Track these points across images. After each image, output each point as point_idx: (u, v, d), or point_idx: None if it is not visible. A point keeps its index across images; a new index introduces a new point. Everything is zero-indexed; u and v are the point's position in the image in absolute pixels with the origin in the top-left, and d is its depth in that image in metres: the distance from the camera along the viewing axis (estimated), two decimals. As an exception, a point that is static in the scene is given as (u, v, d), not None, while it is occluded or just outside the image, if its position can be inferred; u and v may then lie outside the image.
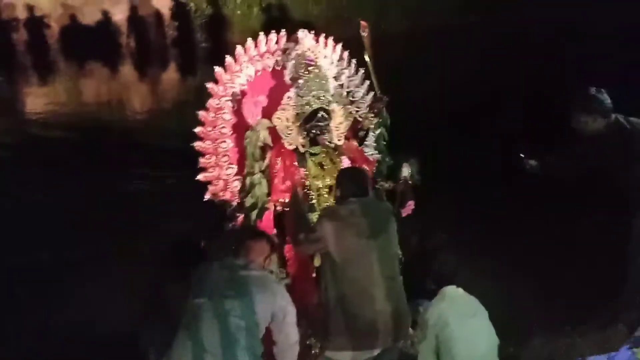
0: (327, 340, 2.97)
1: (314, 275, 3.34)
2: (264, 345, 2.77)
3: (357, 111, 3.72)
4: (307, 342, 3.47)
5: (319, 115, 3.37)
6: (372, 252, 2.91)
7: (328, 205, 3.17)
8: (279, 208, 3.46)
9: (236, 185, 3.49)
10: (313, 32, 3.50)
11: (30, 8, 19.35)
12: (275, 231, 3.47)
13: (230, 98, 3.41)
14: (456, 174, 6.50)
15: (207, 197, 3.49)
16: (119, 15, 19.07)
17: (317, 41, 3.54)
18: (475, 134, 7.83)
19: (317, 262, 3.31)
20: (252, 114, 3.45)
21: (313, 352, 3.53)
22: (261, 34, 3.52)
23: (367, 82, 3.77)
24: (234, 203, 3.50)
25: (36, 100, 14.62)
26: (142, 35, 19.05)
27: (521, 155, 3.93)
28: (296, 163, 3.44)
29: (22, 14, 19.31)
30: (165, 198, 6.34)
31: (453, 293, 3.30)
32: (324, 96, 3.38)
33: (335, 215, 2.96)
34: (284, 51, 3.51)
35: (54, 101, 14.16)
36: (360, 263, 2.88)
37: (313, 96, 3.37)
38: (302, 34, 3.47)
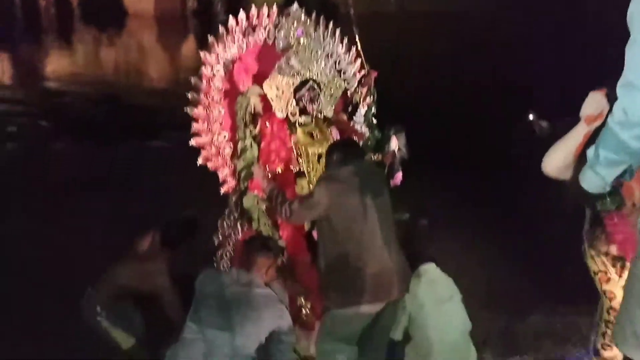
0: (332, 299, 3.02)
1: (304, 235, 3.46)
2: None
3: (348, 84, 3.76)
4: (298, 304, 3.57)
5: (309, 84, 3.45)
6: (374, 211, 2.95)
7: (327, 171, 3.18)
8: (267, 171, 3.54)
9: (228, 152, 3.58)
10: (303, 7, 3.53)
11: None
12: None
13: (222, 67, 3.48)
14: (443, 150, 6.53)
15: (199, 162, 3.60)
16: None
17: (309, 16, 3.57)
18: (466, 110, 7.80)
19: (307, 226, 3.46)
20: (243, 80, 3.53)
21: (304, 312, 3.63)
22: (253, 7, 3.58)
23: (359, 61, 3.80)
24: (225, 170, 3.60)
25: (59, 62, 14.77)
26: (162, 5, 19.11)
27: (531, 116, 3.49)
28: (286, 130, 3.50)
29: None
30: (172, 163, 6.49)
31: (432, 274, 3.27)
32: (314, 67, 3.46)
33: (336, 178, 3.00)
34: (276, 26, 3.56)
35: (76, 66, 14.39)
36: (364, 221, 2.93)
37: (303, 66, 3.44)
38: (293, 7, 3.53)
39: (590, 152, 1.78)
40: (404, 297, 3.09)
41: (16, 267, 4.58)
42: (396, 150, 3.62)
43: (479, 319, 3.39)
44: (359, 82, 3.75)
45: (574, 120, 2.36)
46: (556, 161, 1.99)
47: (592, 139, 1.86)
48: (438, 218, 4.62)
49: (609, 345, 2.96)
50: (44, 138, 8.51)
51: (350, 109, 3.72)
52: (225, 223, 3.70)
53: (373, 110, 3.80)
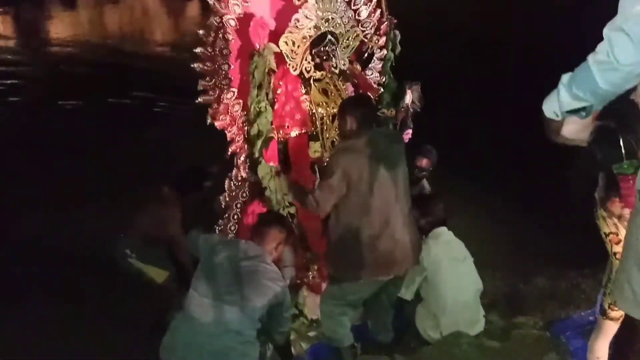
0: (340, 271, 2.95)
1: None
2: None
3: (363, 32, 3.52)
4: (306, 268, 3.51)
5: (327, 39, 3.24)
6: (391, 182, 2.82)
7: (343, 142, 3.00)
8: (280, 135, 3.35)
9: (237, 109, 3.36)
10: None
11: None
12: (278, 159, 3.39)
13: (233, 17, 3.22)
14: (459, 108, 6.44)
15: (208, 121, 3.37)
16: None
17: None
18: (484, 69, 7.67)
19: None
20: (260, 36, 3.23)
21: (311, 275, 3.56)
22: None
23: (379, 9, 3.58)
24: (234, 129, 3.39)
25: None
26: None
27: None
28: (300, 88, 3.30)
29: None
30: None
31: (447, 236, 3.30)
32: (332, 18, 3.23)
33: (352, 149, 2.83)
34: None
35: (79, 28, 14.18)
36: (380, 193, 2.80)
37: (322, 18, 3.22)
38: None
39: (565, 76, 1.78)
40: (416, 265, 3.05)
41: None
42: (409, 105, 3.45)
43: (485, 281, 3.43)
44: (376, 30, 3.54)
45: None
46: (574, 124, 1.95)
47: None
48: (447, 183, 4.63)
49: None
50: (48, 100, 8.34)
51: (365, 57, 3.52)
52: (232, 184, 3.54)
53: (392, 59, 3.59)
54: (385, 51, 3.64)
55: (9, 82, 9.49)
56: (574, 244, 4.01)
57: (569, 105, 1.80)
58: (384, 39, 3.57)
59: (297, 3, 3.23)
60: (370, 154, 2.79)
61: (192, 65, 3.23)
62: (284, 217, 3.20)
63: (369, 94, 3.41)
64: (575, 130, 2.00)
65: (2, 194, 5.29)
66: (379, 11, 3.61)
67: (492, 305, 3.66)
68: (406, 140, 3.48)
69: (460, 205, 4.60)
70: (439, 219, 3.32)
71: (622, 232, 2.79)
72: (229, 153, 3.43)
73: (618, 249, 2.83)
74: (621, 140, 2.54)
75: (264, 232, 2.85)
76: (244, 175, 3.49)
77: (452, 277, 3.17)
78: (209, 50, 3.22)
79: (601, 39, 1.64)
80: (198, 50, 3.21)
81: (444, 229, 3.31)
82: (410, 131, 3.52)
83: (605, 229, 2.87)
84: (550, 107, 1.85)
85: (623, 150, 2.52)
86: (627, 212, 2.71)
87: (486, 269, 3.62)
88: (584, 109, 1.79)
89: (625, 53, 1.63)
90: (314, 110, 3.35)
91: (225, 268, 2.67)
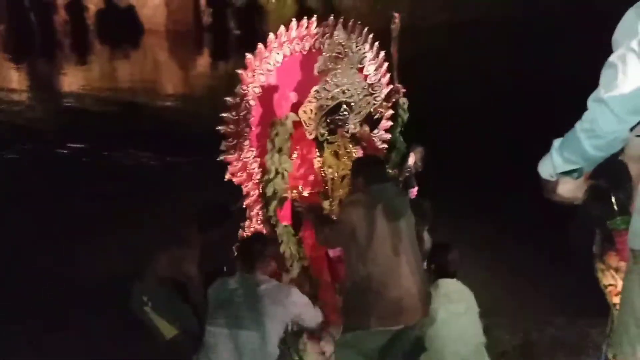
0: (351, 319, 3.10)
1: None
2: None
3: (374, 97, 3.80)
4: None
5: (342, 108, 3.51)
6: (398, 234, 3.02)
7: (353, 195, 3.25)
8: (293, 195, 3.59)
9: (254, 167, 3.64)
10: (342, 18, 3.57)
11: (70, -9, 19.71)
12: (292, 219, 3.61)
13: (257, 85, 3.51)
14: (462, 168, 6.62)
15: (226, 177, 3.67)
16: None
17: (346, 29, 3.58)
18: (483, 128, 7.85)
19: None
20: (282, 107, 3.56)
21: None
22: (293, 19, 3.60)
23: (385, 65, 3.87)
24: (249, 184, 3.67)
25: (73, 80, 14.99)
26: (177, 20, 19.33)
27: None
28: (314, 152, 3.59)
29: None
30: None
31: (447, 287, 3.33)
32: (348, 89, 3.49)
33: (361, 202, 3.06)
34: (313, 36, 3.59)
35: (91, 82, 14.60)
36: (388, 244, 2.99)
37: (339, 90, 3.48)
38: (332, 21, 3.56)
39: (557, 141, 1.95)
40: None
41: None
42: (412, 165, 3.71)
43: (497, 332, 3.53)
44: (386, 96, 3.82)
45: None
46: (569, 184, 2.06)
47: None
48: (458, 233, 4.78)
49: None
50: (60, 153, 8.62)
51: (374, 120, 3.78)
52: (245, 235, 3.77)
53: (401, 125, 3.88)
54: (392, 114, 3.92)
55: (21, 132, 9.80)
56: (582, 293, 3.97)
57: (561, 168, 1.95)
58: (391, 103, 3.84)
59: (317, 74, 3.52)
60: (377, 207, 3.01)
61: (217, 128, 3.53)
62: (261, 234, 3.38)
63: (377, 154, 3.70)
64: (570, 190, 2.12)
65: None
66: (388, 76, 3.91)
67: (503, 356, 3.76)
68: (412, 197, 3.72)
69: (469, 254, 4.58)
70: (443, 268, 3.39)
71: (620, 284, 2.84)
72: (244, 205, 3.71)
73: (617, 300, 2.92)
74: (613, 198, 2.78)
75: (252, 258, 3.04)
76: (256, 227, 3.74)
77: (449, 331, 3.20)
78: (233, 114, 3.53)
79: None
80: (224, 114, 3.52)
81: (446, 280, 3.35)
82: (415, 190, 3.77)
83: (604, 281, 3.04)
84: (545, 169, 2.02)
85: (615, 207, 2.74)
86: (623, 264, 2.82)
87: (497, 319, 3.74)
88: (575, 170, 1.95)
89: (607, 123, 1.79)
90: (325, 171, 3.62)
91: (230, 302, 2.86)
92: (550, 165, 1.98)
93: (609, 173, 2.42)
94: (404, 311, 3.00)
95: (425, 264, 3.36)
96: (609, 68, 1.79)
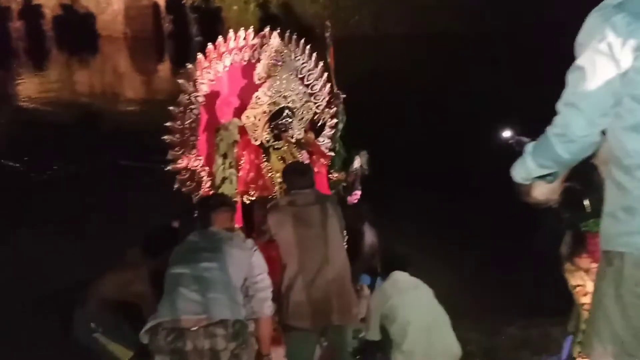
0: (280, 319, 3.20)
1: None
2: None
3: (316, 104, 3.93)
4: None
5: (285, 113, 3.62)
6: (313, 239, 3.12)
7: (272, 200, 3.39)
8: (245, 199, 3.66)
9: (202, 175, 3.69)
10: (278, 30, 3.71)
11: (27, -3, 19.35)
12: (242, 222, 3.66)
13: (200, 94, 3.59)
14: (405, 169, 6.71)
15: (175, 186, 3.69)
16: (116, 5, 19.21)
17: (283, 40, 3.72)
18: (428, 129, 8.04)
19: None
20: (225, 113, 3.67)
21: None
22: (230, 31, 3.72)
23: (325, 75, 4.00)
24: (200, 193, 3.70)
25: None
26: (137, 27, 19.15)
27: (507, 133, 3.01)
28: (261, 157, 3.66)
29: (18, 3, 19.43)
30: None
31: (397, 275, 3.44)
32: (289, 95, 3.62)
33: (277, 208, 3.21)
34: (252, 47, 3.72)
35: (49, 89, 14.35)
36: (302, 249, 3.10)
37: (280, 95, 3.60)
38: (268, 32, 3.69)
39: (530, 145, 1.96)
40: (348, 324, 3.25)
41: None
42: (358, 169, 3.82)
43: (461, 333, 3.49)
44: (328, 103, 3.96)
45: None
46: (543, 187, 2.08)
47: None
48: (414, 234, 4.95)
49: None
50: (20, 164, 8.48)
51: (317, 127, 3.91)
52: None
53: (340, 129, 4.01)
54: (335, 120, 4.04)
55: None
56: (543, 293, 4.20)
57: (535, 172, 1.96)
58: (333, 110, 3.98)
59: (258, 82, 3.62)
60: (290, 213, 3.13)
61: (162, 138, 3.56)
62: (223, 196, 3.37)
63: (322, 160, 3.80)
64: (544, 193, 2.13)
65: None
66: (328, 85, 4.04)
67: (467, 355, 3.74)
68: (355, 201, 3.83)
69: (428, 257, 4.74)
70: (390, 264, 3.49)
71: (589, 285, 2.99)
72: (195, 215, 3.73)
73: (585, 300, 3.05)
74: (586, 201, 2.85)
75: (214, 217, 3.01)
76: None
77: (403, 303, 3.25)
78: (179, 123, 3.56)
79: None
80: (168, 124, 3.55)
81: (396, 272, 3.42)
82: (359, 192, 3.88)
83: (572, 282, 3.10)
84: (519, 173, 2.02)
85: (588, 210, 2.82)
86: (594, 266, 2.94)
87: (459, 321, 3.68)
88: (549, 174, 1.96)
89: (579, 126, 1.78)
90: (273, 177, 3.69)
91: (194, 249, 2.82)
92: (524, 170, 1.99)
93: (581, 176, 2.47)
94: (320, 313, 3.09)
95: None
96: (576, 71, 1.78)
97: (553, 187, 2.14)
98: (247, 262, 2.87)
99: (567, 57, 1.86)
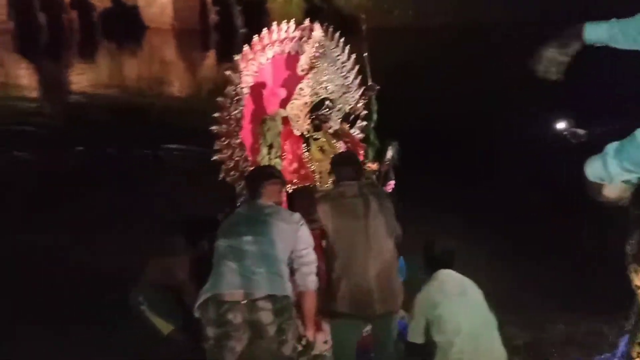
0: (324, 306, 3.22)
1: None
2: None
3: (352, 96, 4.02)
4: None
5: (326, 104, 3.72)
6: (362, 230, 3.14)
7: (323, 189, 3.43)
8: (287, 189, 3.72)
9: (246, 166, 3.75)
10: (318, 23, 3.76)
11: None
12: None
13: (245, 85, 3.65)
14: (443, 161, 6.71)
15: (220, 176, 3.76)
16: (163, -2, 19.59)
17: (325, 33, 3.79)
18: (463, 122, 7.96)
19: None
20: (271, 104, 3.76)
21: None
22: (274, 23, 3.79)
23: (357, 66, 4.06)
24: (242, 183, 3.77)
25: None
26: (183, 19, 19.49)
27: (563, 124, 2.96)
28: (302, 147, 3.77)
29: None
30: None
31: (444, 276, 3.36)
32: (329, 86, 3.73)
33: (328, 198, 3.24)
34: (293, 39, 3.79)
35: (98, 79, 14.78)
36: (350, 240, 3.13)
37: (321, 87, 3.72)
38: (311, 25, 3.76)
39: (612, 147, 1.86)
40: (394, 315, 3.26)
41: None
42: (390, 159, 3.84)
43: (507, 328, 3.49)
44: (362, 94, 4.03)
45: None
46: (615, 186, 2.02)
47: None
48: (465, 232, 4.91)
49: None
50: (67, 152, 8.76)
51: (351, 119, 4.00)
52: None
53: (374, 120, 4.05)
54: (367, 112, 4.10)
55: (31, 129, 9.95)
56: (594, 290, 4.21)
57: (619, 176, 1.90)
58: (366, 101, 4.04)
59: (301, 73, 3.68)
60: (338, 204, 3.16)
61: (210, 128, 3.63)
62: (271, 167, 3.41)
63: (356, 151, 3.85)
64: (617, 191, 2.07)
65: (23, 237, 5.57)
66: (360, 77, 4.09)
67: (512, 351, 3.70)
68: (389, 191, 3.85)
69: (479, 253, 4.79)
70: (436, 261, 3.40)
71: None
72: (238, 205, 3.81)
73: None
74: None
75: (264, 189, 3.05)
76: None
77: (450, 310, 3.18)
78: (225, 114, 3.64)
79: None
80: (216, 114, 3.63)
81: (442, 270, 3.35)
82: (392, 182, 3.90)
83: (637, 282, 2.97)
84: (595, 173, 1.95)
85: None
86: None
87: (509, 316, 3.70)
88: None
89: None
90: (313, 166, 3.79)
91: (240, 221, 2.90)
92: (604, 172, 1.90)
93: None
94: (361, 303, 3.12)
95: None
96: None
97: (625, 186, 2.07)
98: (293, 236, 2.92)
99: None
